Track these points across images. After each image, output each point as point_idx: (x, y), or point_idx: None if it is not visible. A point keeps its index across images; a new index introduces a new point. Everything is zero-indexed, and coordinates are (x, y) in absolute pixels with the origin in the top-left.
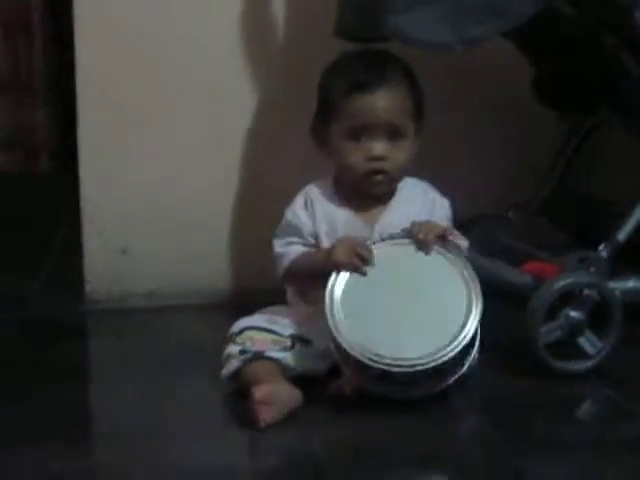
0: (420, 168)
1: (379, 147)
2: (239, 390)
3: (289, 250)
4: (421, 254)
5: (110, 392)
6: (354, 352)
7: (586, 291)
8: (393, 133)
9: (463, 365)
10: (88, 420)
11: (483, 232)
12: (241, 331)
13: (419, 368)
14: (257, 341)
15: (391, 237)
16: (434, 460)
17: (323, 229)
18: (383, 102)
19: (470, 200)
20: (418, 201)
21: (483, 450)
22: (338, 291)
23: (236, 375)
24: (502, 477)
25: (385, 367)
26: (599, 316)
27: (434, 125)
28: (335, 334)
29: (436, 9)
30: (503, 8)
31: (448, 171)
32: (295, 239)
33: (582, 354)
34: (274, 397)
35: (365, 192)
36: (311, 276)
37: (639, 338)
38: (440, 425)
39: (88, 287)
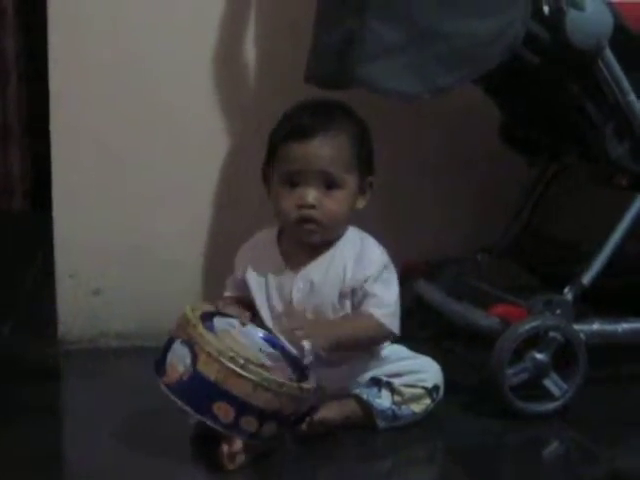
0: (388, 212)
1: (310, 195)
2: (208, 432)
3: (227, 285)
4: None
5: (82, 433)
6: None
7: (551, 333)
8: (329, 182)
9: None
10: (59, 461)
11: (451, 274)
12: None
13: None
14: None
15: None
16: None
17: (254, 279)
18: (318, 150)
19: (438, 243)
20: (351, 253)
21: None
22: None
23: None
24: None
25: None
26: (564, 358)
27: (401, 168)
28: None
29: (405, 58)
30: (470, 57)
31: (416, 214)
32: (230, 285)
33: (547, 396)
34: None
35: (300, 240)
36: None
37: (603, 380)
38: (409, 470)
39: (61, 328)
